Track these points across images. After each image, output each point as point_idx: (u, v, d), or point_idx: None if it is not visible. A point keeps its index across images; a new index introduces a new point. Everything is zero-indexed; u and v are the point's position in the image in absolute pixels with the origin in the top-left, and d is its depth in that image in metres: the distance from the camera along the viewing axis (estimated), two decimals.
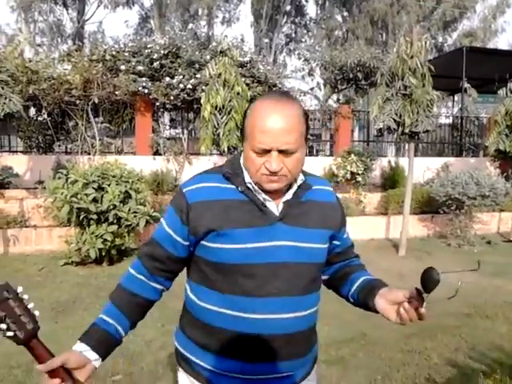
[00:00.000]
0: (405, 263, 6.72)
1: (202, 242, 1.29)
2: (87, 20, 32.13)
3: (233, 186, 1.29)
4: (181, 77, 8.40)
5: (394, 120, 7.14)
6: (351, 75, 9.40)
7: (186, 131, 9.44)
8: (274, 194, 1.28)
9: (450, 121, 13.01)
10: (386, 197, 8.92)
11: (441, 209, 8.14)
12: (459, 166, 10.14)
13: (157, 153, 9.10)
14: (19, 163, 8.45)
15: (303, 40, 33.57)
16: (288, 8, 32.19)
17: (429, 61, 7.70)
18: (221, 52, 8.72)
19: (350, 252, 1.53)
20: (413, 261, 6.90)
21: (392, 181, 9.50)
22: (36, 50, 20.96)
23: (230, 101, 6.93)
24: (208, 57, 8.55)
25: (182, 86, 8.37)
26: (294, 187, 1.31)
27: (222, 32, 9.04)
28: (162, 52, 8.56)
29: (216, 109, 6.96)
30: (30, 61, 8.21)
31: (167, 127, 9.75)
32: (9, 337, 1.13)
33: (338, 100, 10.01)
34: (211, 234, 1.26)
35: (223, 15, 31.94)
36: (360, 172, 8.73)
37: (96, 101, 8.33)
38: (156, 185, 7.98)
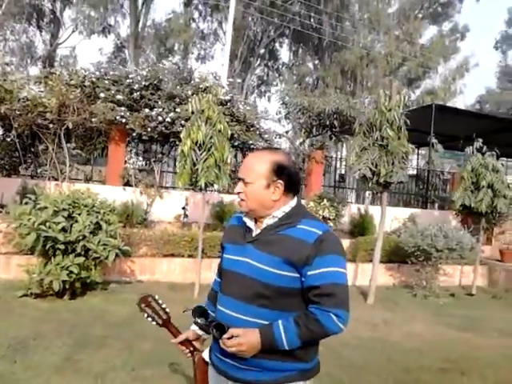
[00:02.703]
0: (375, 313, 6.69)
1: None
2: (60, 44, 31.87)
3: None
4: (160, 109, 8.33)
5: (370, 169, 7.27)
6: (328, 122, 9.62)
7: (159, 164, 9.29)
8: (258, 223, 1.77)
9: (414, 172, 13.46)
10: (355, 244, 8.98)
11: (409, 259, 8.25)
12: (425, 217, 10.40)
13: (127, 184, 8.88)
14: None
15: (274, 83, 34.45)
16: (262, 51, 33.06)
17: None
18: (202, 88, 8.79)
19: (315, 295, 1.64)
20: (382, 310, 6.89)
21: (361, 228, 9.60)
22: (3, 68, 20.39)
23: (211, 138, 6.86)
24: (190, 92, 8.54)
25: (160, 118, 8.28)
26: (270, 221, 1.74)
27: (195, 68, 9.04)
28: (143, 83, 8.50)
29: (196, 144, 6.88)
30: (5, 80, 7.95)
31: (140, 158, 9.58)
32: (153, 323, 1.91)
33: (312, 145, 10.19)
34: (223, 246, 1.89)
35: (198, 52, 32.45)
36: (332, 217, 8.79)
37: (70, 126, 8.10)
38: (125, 217, 7.72)
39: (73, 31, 31.16)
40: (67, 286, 5.76)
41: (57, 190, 7.75)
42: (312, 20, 29.86)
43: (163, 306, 1.91)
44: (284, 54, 35.60)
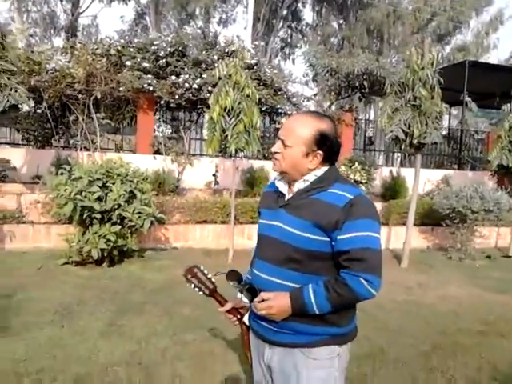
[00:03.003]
0: (409, 276, 6.65)
1: None
2: (81, 13, 31.70)
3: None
4: (187, 76, 8.23)
5: (403, 130, 7.08)
6: (357, 83, 9.35)
7: (188, 131, 9.27)
8: (291, 187, 1.75)
9: (446, 133, 13.07)
10: (388, 207, 8.87)
11: (443, 221, 8.10)
12: (458, 179, 10.16)
13: (157, 152, 8.92)
14: (16, 156, 8.19)
15: (298, 45, 33.70)
16: (284, 12, 32.17)
17: None
18: (228, 53, 8.63)
19: (344, 260, 1.61)
20: (417, 273, 6.84)
21: (393, 191, 9.45)
22: (28, 40, 20.49)
23: (239, 103, 6.76)
24: (215, 57, 8.40)
25: (187, 85, 8.19)
26: (301, 184, 1.71)
27: (220, 32, 8.92)
28: (169, 50, 8.38)
29: (225, 110, 6.80)
30: (32, 51, 7.97)
31: (169, 126, 9.56)
32: (200, 293, 1.91)
33: (342, 107, 9.95)
34: (259, 211, 1.90)
35: (220, 16, 31.80)
36: (364, 181, 8.67)
37: (98, 96, 8.12)
38: (157, 185, 7.78)
39: (92, 0, 30.90)
40: (105, 254, 5.90)
41: (89, 160, 7.87)
42: None
43: (209, 276, 1.93)
44: (307, 14, 34.68)
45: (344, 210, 1.60)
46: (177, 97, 8.29)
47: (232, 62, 6.96)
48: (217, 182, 8.70)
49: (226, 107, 6.80)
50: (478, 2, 30.99)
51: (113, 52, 8.42)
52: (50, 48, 8.50)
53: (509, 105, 8.62)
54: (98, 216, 5.80)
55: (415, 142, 7.07)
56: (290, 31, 33.75)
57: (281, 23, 32.65)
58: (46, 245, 6.71)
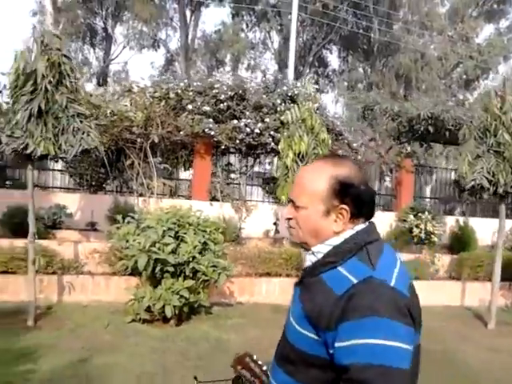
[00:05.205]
0: (507, 341, 5.95)
1: None
2: (113, 60, 32.54)
3: None
4: (248, 120, 7.93)
5: (486, 178, 6.62)
6: (422, 128, 8.94)
7: (245, 177, 8.89)
8: None
9: None
10: (459, 260, 8.21)
11: None
12: None
13: (213, 198, 8.51)
14: (70, 201, 7.83)
15: (325, 91, 33.99)
16: (311, 59, 32.68)
17: None
18: (290, 96, 8.36)
19: (344, 381, 1.05)
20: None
21: (461, 242, 8.81)
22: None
23: (313, 148, 6.44)
24: (278, 101, 8.11)
25: (248, 129, 7.89)
26: (311, 257, 1.26)
27: (275, 76, 9.01)
28: (229, 93, 8.13)
29: (298, 156, 6.45)
30: (91, 95, 7.79)
31: (225, 172, 9.18)
32: None
33: (401, 153, 9.52)
34: None
35: (248, 62, 32.25)
36: (436, 231, 8.08)
37: (156, 140, 7.83)
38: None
39: (124, 47, 31.77)
40: (176, 312, 5.37)
41: (144, 206, 7.48)
42: (361, 25, 29.30)
43: (264, 368, 1.46)
44: (334, 60, 35.02)
45: (341, 302, 1.09)
46: (237, 141, 7.95)
47: (305, 106, 6.67)
48: (277, 231, 8.21)
49: (299, 152, 6.46)
50: (505, 48, 31.09)
51: (172, 95, 8.19)
52: (108, 91, 8.33)
53: None
54: (171, 269, 5.32)
55: (501, 190, 6.58)
56: (316, 77, 34.13)
57: (307, 70, 33.08)
58: (105, 298, 6.20)
